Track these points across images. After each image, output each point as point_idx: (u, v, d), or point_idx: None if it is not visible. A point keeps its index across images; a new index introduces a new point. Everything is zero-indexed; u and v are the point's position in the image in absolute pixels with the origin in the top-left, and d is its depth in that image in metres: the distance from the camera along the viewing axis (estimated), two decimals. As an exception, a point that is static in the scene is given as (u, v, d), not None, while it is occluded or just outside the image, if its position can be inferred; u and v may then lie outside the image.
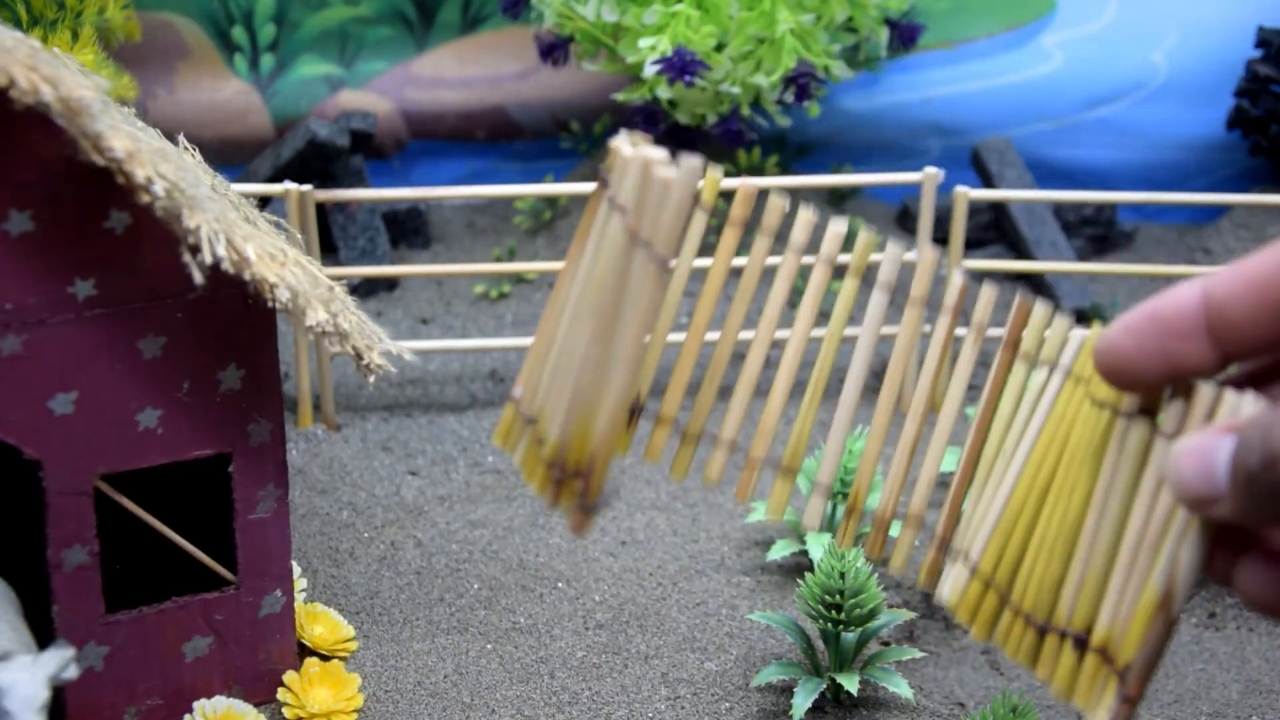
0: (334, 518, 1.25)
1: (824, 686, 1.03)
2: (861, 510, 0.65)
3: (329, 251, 1.64)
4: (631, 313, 0.53)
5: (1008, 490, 0.60)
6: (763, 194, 0.70)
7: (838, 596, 1.02)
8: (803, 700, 1.01)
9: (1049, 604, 0.57)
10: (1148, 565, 0.52)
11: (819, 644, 1.08)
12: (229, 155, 1.74)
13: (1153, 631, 0.53)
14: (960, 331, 1.23)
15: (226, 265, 0.84)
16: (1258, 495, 0.46)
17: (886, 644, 1.12)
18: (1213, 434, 0.48)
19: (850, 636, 1.05)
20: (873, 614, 1.03)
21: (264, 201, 1.46)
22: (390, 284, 1.63)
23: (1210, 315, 0.49)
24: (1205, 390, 0.50)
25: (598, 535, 1.24)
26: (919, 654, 1.05)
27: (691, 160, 0.53)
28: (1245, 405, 0.49)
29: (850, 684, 1.01)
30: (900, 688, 1.02)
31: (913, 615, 1.09)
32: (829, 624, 1.03)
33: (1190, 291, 0.49)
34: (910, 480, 0.66)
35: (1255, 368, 0.51)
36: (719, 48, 1.51)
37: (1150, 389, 0.51)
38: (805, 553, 1.17)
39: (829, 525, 1.19)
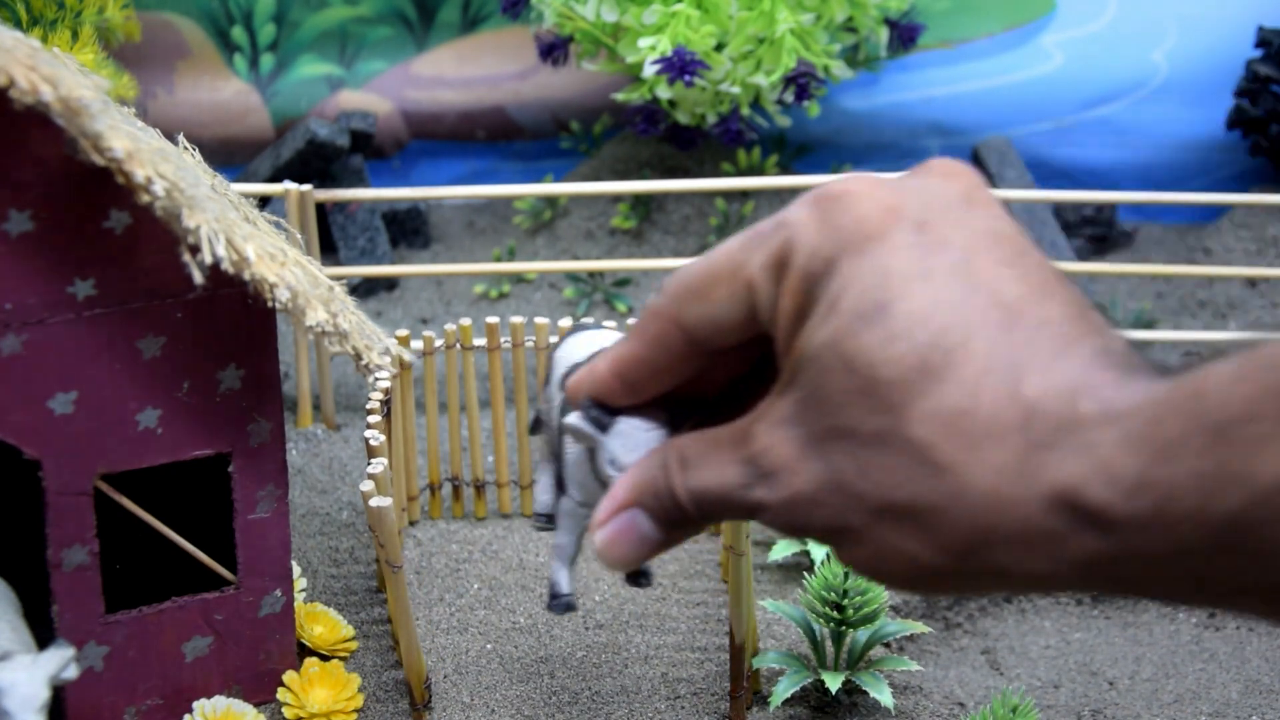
0: (334, 518, 1.25)
1: (809, 680, 1.03)
2: None
3: (329, 251, 1.64)
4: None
5: None
6: None
7: (841, 595, 1.02)
8: (783, 689, 1.01)
9: None
10: None
11: (828, 644, 1.08)
12: (229, 155, 1.74)
13: None
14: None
15: (226, 265, 0.84)
16: (694, 527, 0.56)
17: (888, 645, 1.12)
18: (622, 515, 0.59)
19: (860, 636, 1.05)
20: (875, 615, 1.03)
21: (264, 201, 1.46)
22: (390, 284, 1.63)
23: (624, 386, 0.62)
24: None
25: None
26: (915, 667, 1.05)
27: None
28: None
29: (834, 683, 1.01)
30: (883, 696, 1.01)
31: (926, 629, 1.08)
32: (831, 623, 1.03)
33: (605, 374, 0.63)
34: None
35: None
36: (719, 48, 1.51)
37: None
38: (807, 552, 1.17)
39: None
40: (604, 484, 0.81)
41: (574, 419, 0.78)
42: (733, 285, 0.53)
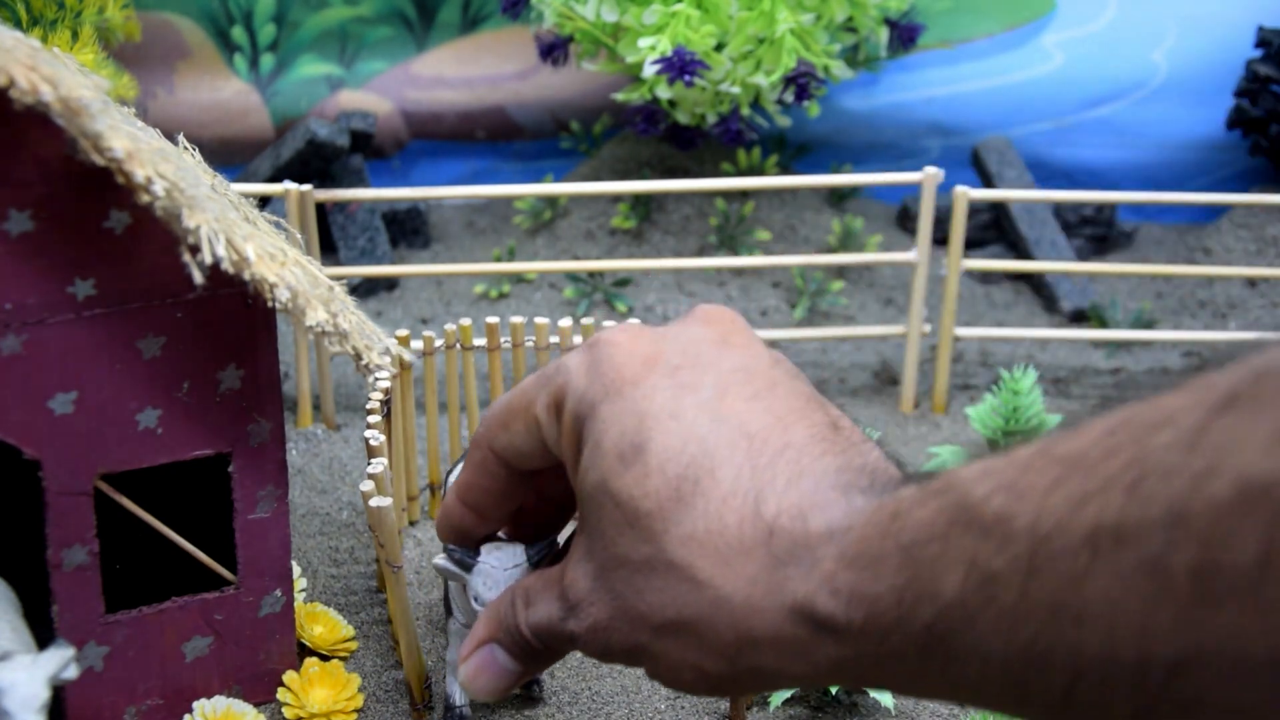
0: (334, 518, 1.25)
1: None
2: None
3: (329, 251, 1.64)
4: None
5: None
6: None
7: None
8: (782, 691, 1.02)
9: None
10: None
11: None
12: (229, 155, 1.74)
13: None
14: (964, 332, 1.25)
15: (226, 265, 0.84)
16: (547, 659, 0.62)
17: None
18: (482, 650, 0.63)
19: None
20: None
21: (264, 201, 1.46)
22: (390, 284, 1.64)
23: (474, 513, 0.67)
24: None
25: (598, 535, 1.24)
26: None
27: None
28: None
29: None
30: (883, 696, 1.01)
31: None
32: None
33: (455, 504, 0.67)
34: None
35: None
36: (719, 48, 1.51)
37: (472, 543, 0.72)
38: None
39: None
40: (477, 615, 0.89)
41: (440, 560, 0.88)
42: (526, 419, 0.60)
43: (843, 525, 0.51)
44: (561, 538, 0.72)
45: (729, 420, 0.55)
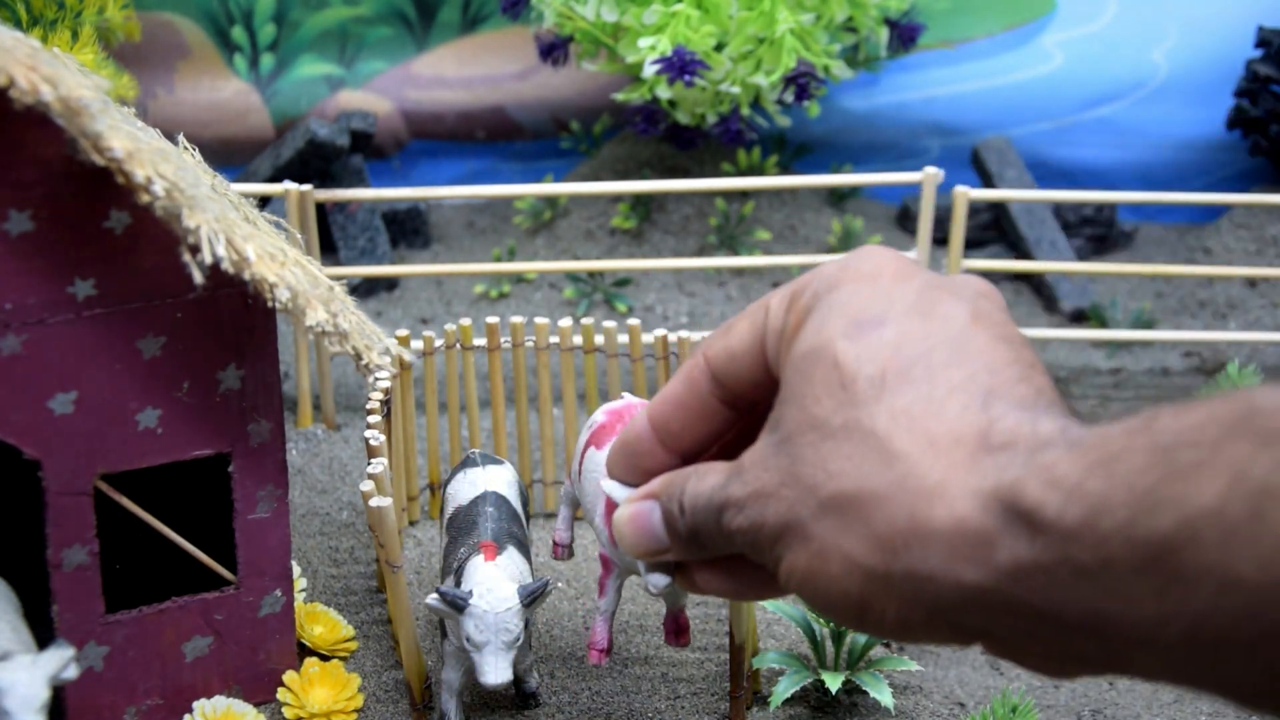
0: (334, 518, 1.25)
1: (809, 680, 1.03)
2: None
3: (329, 251, 1.64)
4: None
5: None
6: None
7: None
8: (783, 689, 1.01)
9: None
10: None
11: (828, 644, 1.08)
12: (229, 155, 1.74)
13: None
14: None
15: (226, 265, 0.84)
16: (688, 543, 0.59)
17: (888, 645, 1.12)
18: (640, 503, 0.61)
19: (860, 636, 1.05)
20: None
21: (264, 201, 1.46)
22: (390, 284, 1.63)
23: (658, 434, 0.62)
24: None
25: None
26: (915, 667, 1.05)
27: None
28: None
29: (834, 683, 1.01)
30: (883, 696, 1.01)
31: None
32: (831, 623, 1.03)
33: (642, 420, 0.62)
34: None
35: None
36: (719, 48, 1.51)
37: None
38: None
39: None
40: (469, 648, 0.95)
41: (432, 600, 0.88)
42: (753, 316, 0.58)
43: (1080, 435, 0.49)
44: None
45: (975, 337, 0.53)
